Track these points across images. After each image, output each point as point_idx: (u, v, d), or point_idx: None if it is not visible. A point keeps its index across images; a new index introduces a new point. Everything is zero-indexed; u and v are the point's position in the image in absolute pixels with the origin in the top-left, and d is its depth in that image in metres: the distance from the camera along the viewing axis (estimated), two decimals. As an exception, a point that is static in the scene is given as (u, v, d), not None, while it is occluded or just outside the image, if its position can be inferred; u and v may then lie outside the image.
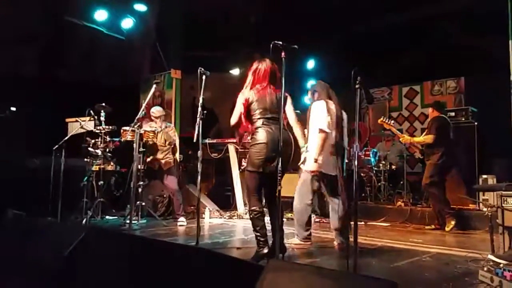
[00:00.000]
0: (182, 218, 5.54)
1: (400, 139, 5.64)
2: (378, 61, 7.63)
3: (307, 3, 7.28)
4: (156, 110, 5.73)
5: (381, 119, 5.59)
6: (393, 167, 7.04)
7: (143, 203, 5.51)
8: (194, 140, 3.70)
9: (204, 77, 3.76)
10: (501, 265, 2.92)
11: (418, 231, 5.22)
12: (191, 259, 1.91)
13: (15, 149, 5.53)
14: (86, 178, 5.12)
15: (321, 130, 3.82)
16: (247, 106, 3.36)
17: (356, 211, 2.93)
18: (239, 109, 3.39)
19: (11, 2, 5.79)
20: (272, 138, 3.20)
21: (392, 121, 5.62)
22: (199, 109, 3.62)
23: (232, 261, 1.89)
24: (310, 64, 9.05)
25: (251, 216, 3.35)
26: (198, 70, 3.75)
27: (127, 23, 7.11)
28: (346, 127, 4.20)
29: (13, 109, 6.28)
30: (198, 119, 3.65)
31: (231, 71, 8.37)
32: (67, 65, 6.67)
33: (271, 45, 3.03)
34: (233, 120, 3.44)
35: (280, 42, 3.02)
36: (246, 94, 3.39)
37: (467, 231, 5.01)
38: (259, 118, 3.33)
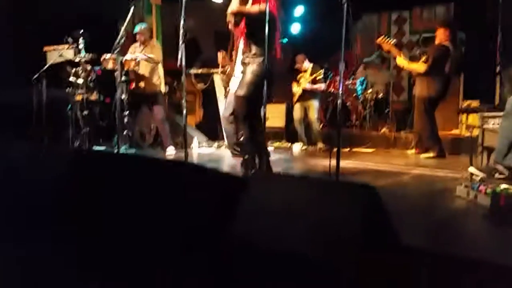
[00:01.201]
0: (170, 148, 5.56)
1: (396, 60, 5.22)
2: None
3: None
4: (143, 28, 5.53)
5: (381, 38, 5.16)
6: (380, 95, 7.07)
7: (130, 133, 5.47)
8: (178, 65, 3.58)
9: (185, -3, 3.55)
10: (478, 180, 3.05)
11: (401, 156, 5.37)
12: (179, 174, 1.93)
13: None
14: (69, 106, 5.03)
15: None
16: (269, 21, 3.07)
17: (339, 137, 2.97)
18: (258, 9, 3.16)
19: None
20: (269, 68, 3.16)
21: (394, 40, 5.15)
22: (181, 31, 3.47)
23: (219, 175, 1.93)
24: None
25: (241, 140, 3.40)
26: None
27: None
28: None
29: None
30: (181, 42, 3.50)
31: (214, -2, 7.97)
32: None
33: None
34: (240, 9, 3.27)
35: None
36: (278, 10, 3.11)
37: (449, 155, 5.15)
38: (263, 45, 3.15)
